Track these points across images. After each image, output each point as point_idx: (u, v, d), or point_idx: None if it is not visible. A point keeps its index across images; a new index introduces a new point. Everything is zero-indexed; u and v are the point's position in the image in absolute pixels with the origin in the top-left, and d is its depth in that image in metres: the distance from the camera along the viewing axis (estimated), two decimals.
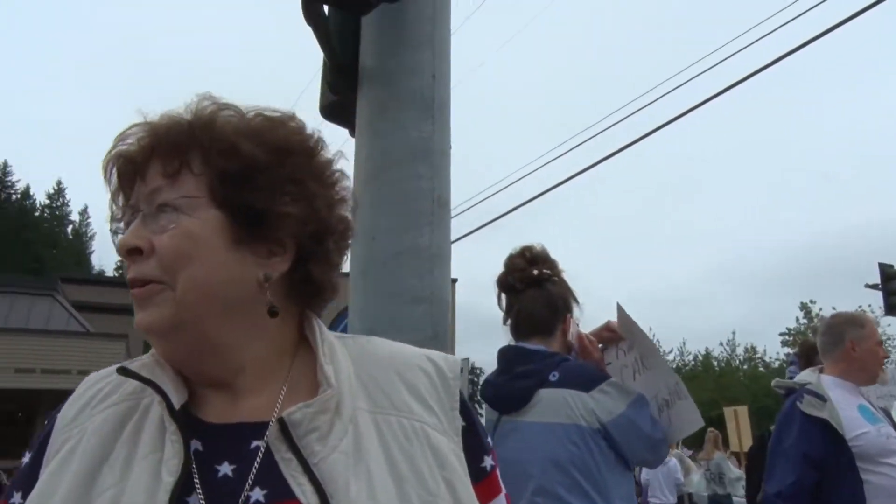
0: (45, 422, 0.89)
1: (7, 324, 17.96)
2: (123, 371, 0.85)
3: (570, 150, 9.26)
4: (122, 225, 0.87)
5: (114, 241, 0.88)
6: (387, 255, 2.18)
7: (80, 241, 55.08)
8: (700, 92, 7.31)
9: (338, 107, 2.72)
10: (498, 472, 0.93)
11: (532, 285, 2.22)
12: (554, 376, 2.05)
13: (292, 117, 0.91)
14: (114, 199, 0.89)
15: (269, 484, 0.78)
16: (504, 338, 2.29)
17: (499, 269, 2.31)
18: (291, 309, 0.91)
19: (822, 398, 2.71)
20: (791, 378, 6.56)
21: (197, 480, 0.77)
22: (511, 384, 2.12)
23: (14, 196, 49.88)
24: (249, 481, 0.78)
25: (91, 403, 0.86)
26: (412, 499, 0.79)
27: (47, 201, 53.83)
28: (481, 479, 0.89)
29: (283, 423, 0.80)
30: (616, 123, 8.67)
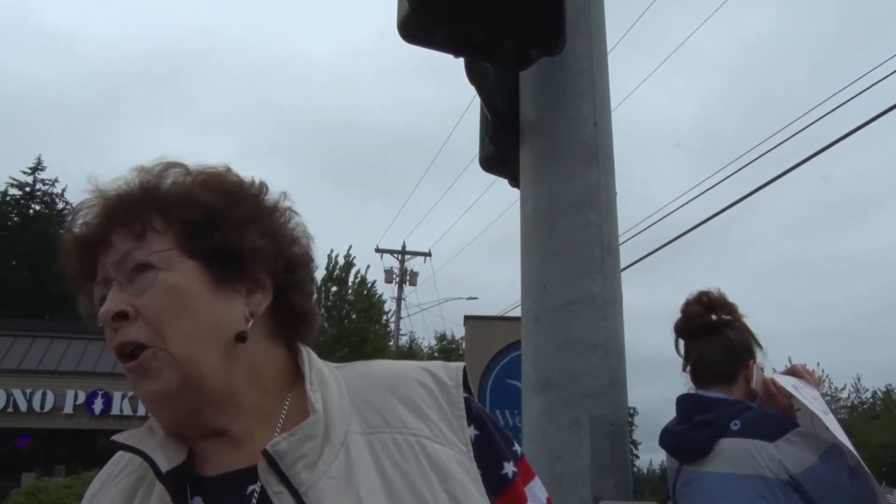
0: None
1: None
2: (113, 443, 0.86)
3: (724, 179, 8.88)
4: (97, 301, 0.86)
5: (88, 322, 0.88)
6: (558, 304, 2.20)
7: None
8: (864, 109, 6.83)
9: (496, 159, 2.81)
10: (534, 481, 0.90)
11: (711, 332, 2.16)
12: (735, 425, 1.97)
13: (229, 168, 0.93)
14: (77, 281, 0.89)
15: None
16: (678, 384, 2.24)
17: (642, 305, 2.27)
18: (280, 343, 0.92)
19: None
20: None
21: None
22: (690, 434, 2.06)
23: None
24: None
25: (108, 480, 0.89)
26: None
27: None
28: (503, 488, 0.85)
29: (268, 456, 0.78)
30: (774, 148, 8.24)
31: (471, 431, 0.86)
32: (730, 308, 2.19)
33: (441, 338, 36.95)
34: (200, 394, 0.82)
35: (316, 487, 0.76)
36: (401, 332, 30.47)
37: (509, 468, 0.87)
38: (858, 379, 38.62)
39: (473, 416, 0.87)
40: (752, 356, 2.15)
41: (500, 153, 2.75)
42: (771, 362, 2.20)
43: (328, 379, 0.88)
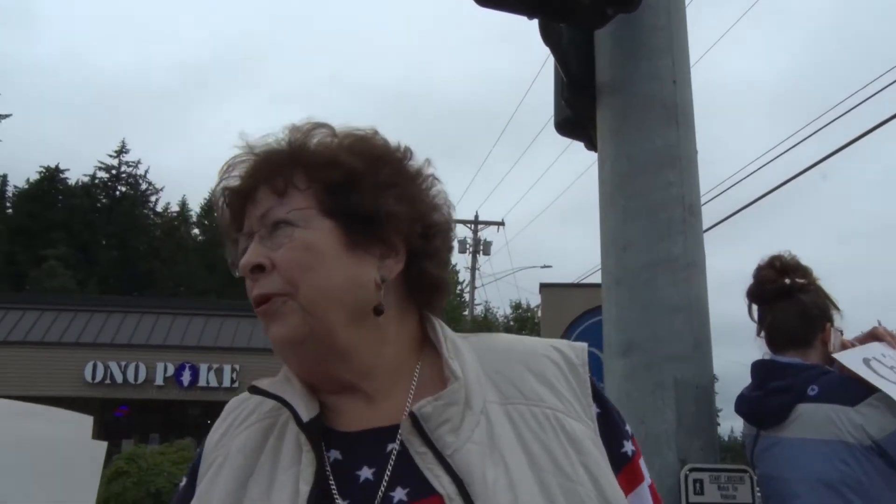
0: (197, 449, 0.95)
1: (268, 344, 19.86)
2: (254, 390, 0.89)
3: (809, 136, 8.48)
4: (240, 253, 0.90)
5: (232, 270, 0.91)
6: (640, 266, 2.17)
7: None
8: None
9: (572, 122, 2.76)
10: (641, 459, 0.91)
11: (784, 296, 2.10)
12: (813, 390, 1.92)
13: (376, 132, 0.94)
14: (227, 231, 0.93)
15: (409, 482, 0.79)
16: (753, 348, 2.18)
17: (732, 268, 2.22)
18: (411, 310, 0.93)
19: None
20: None
21: (334, 487, 0.80)
22: (766, 399, 2.03)
23: None
24: (389, 482, 0.79)
25: (234, 425, 0.91)
26: (552, 487, 0.78)
27: None
28: (623, 465, 0.87)
29: (414, 418, 0.80)
30: (861, 103, 7.81)
31: (594, 409, 0.89)
32: (803, 271, 2.13)
33: (516, 307, 36.97)
34: (326, 346, 0.84)
35: (462, 451, 0.79)
36: (475, 303, 30.61)
37: (629, 446, 0.90)
38: None
39: (596, 395, 0.90)
40: (830, 319, 2.09)
41: (575, 115, 2.71)
42: (850, 326, 2.12)
43: (462, 348, 0.89)
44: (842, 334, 2.10)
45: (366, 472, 0.81)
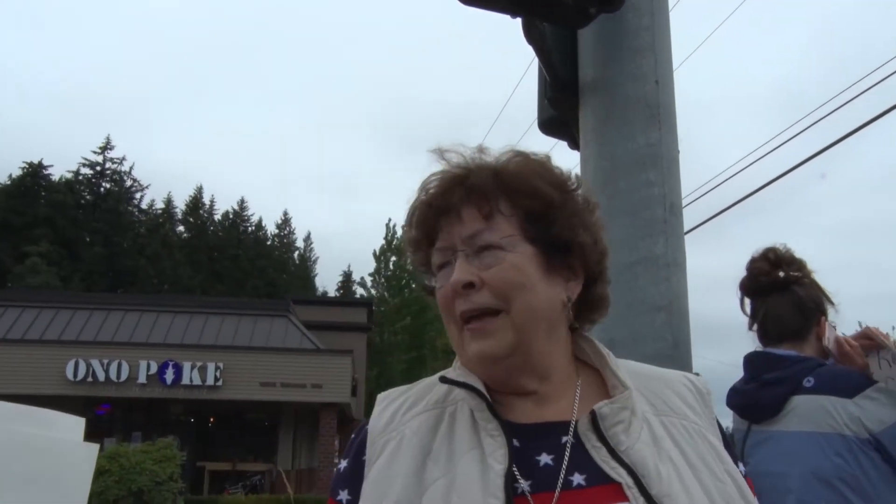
0: (353, 435, 1.04)
1: (252, 342, 20.02)
2: (445, 380, 0.98)
3: (800, 132, 8.51)
4: (435, 265, 0.99)
5: (428, 282, 1.00)
6: (622, 265, 2.17)
7: (305, 266, 60.07)
8: None
9: (555, 121, 2.77)
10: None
11: (779, 288, 2.09)
12: (809, 382, 1.91)
13: (550, 158, 1.03)
14: (416, 242, 1.01)
15: (586, 470, 0.88)
16: (749, 344, 2.18)
17: (709, 268, 2.22)
18: (573, 326, 1.04)
19: None
20: None
21: (516, 469, 0.87)
22: (759, 392, 2.01)
23: (250, 228, 55.53)
24: (568, 467, 0.88)
25: (399, 413, 0.99)
26: (709, 486, 0.89)
27: (276, 230, 59.42)
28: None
29: (593, 416, 0.91)
30: (846, 103, 7.85)
31: (718, 431, 1.01)
32: (798, 264, 2.12)
33: None
34: (524, 359, 0.95)
35: (634, 448, 0.89)
36: None
37: (742, 468, 0.99)
38: None
39: (717, 421, 1.03)
40: (824, 312, 2.07)
41: (559, 115, 2.71)
42: (843, 320, 2.12)
43: (620, 363, 1.00)
44: (835, 329, 2.09)
45: (545, 458, 0.90)
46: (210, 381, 18.10)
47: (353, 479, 0.96)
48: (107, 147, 43.35)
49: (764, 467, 1.95)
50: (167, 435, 15.36)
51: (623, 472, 0.87)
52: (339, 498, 0.97)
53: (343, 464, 1.00)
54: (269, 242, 57.69)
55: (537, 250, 0.95)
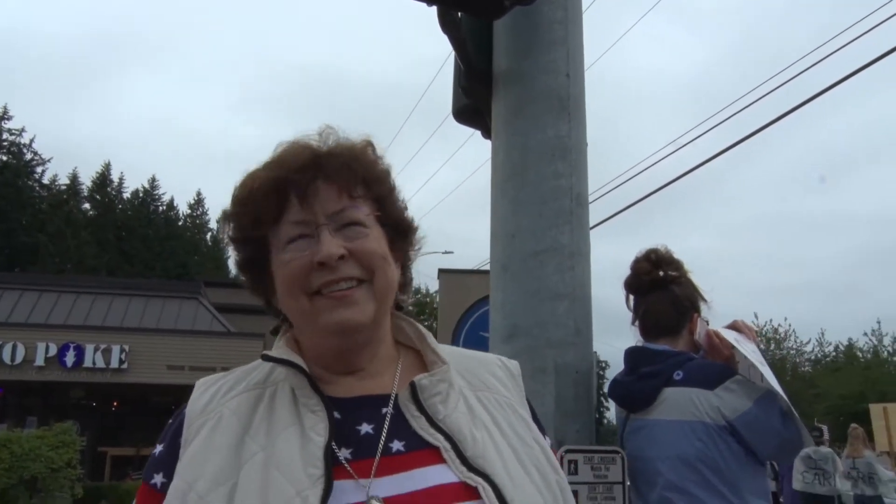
0: (170, 420, 1.03)
1: (160, 325, 19.39)
2: (268, 357, 1.00)
3: (707, 131, 8.86)
4: (285, 238, 0.98)
5: (278, 254, 0.99)
6: (527, 253, 2.22)
7: (218, 248, 58.45)
8: (854, 60, 6.75)
9: (470, 110, 2.79)
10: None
11: (658, 287, 2.25)
12: (678, 375, 2.07)
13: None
14: (263, 215, 0.99)
15: (405, 437, 0.94)
16: (632, 337, 2.32)
17: (624, 260, 2.35)
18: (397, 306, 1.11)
19: None
20: None
21: (335, 443, 0.90)
22: (637, 384, 2.16)
23: (161, 207, 53.65)
24: (387, 435, 0.93)
25: (218, 395, 0.99)
26: (519, 450, 0.98)
27: (188, 211, 57.61)
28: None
29: (413, 387, 0.97)
30: (755, 102, 8.20)
31: (528, 408, 1.10)
32: (676, 264, 2.29)
33: (416, 292, 37.23)
34: (374, 331, 1.00)
35: (451, 417, 0.96)
36: None
37: (547, 439, 1.08)
38: (822, 333, 39.64)
39: (526, 398, 1.12)
40: (697, 310, 2.25)
41: (473, 104, 2.74)
42: (715, 316, 2.29)
43: (439, 346, 1.07)
44: (707, 324, 2.25)
45: (366, 428, 0.94)
46: (115, 363, 17.42)
47: (169, 462, 0.95)
48: (4, 117, 40.90)
49: (638, 452, 2.11)
50: (66, 420, 14.72)
51: (441, 437, 0.93)
52: (153, 482, 0.96)
53: (159, 448, 0.99)
54: (180, 223, 55.89)
55: (385, 232, 1.02)
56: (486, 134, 2.80)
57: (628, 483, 2.14)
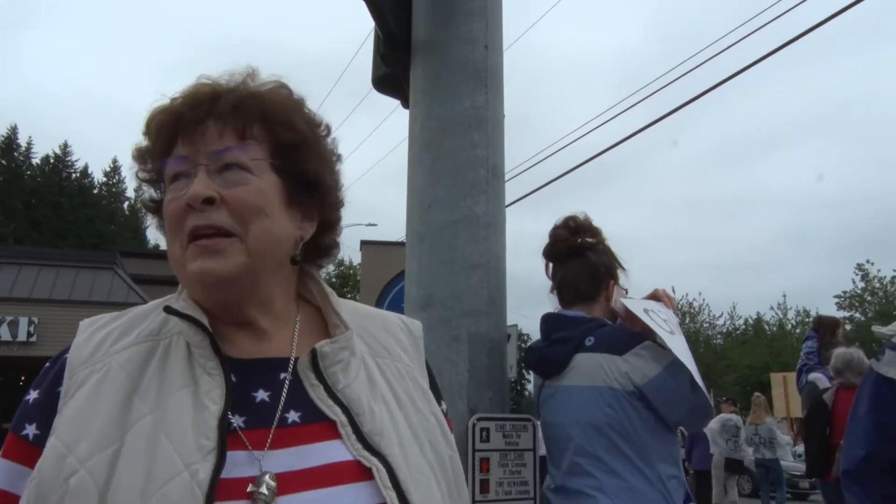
0: (48, 364, 0.95)
1: (72, 296, 18.63)
2: (170, 311, 0.92)
3: (629, 108, 8.98)
4: (169, 175, 0.93)
5: (144, 191, 0.98)
6: (443, 224, 2.23)
7: (136, 217, 56.50)
8: (776, 38, 6.93)
9: (390, 79, 2.77)
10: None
11: (574, 254, 2.24)
12: (590, 341, 2.08)
13: (306, 99, 1.02)
14: (154, 151, 0.95)
15: (301, 408, 0.90)
16: (551, 305, 2.31)
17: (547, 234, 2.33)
18: (301, 266, 1.06)
19: None
20: (804, 355, 6.31)
21: (230, 410, 0.85)
22: (549, 350, 2.16)
23: (74, 175, 51.38)
24: (284, 405, 0.89)
25: (106, 343, 0.92)
26: (414, 423, 0.96)
27: (104, 179, 55.37)
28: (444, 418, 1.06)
29: (314, 354, 0.93)
30: (678, 79, 8.36)
31: (426, 373, 1.08)
32: (593, 231, 2.27)
33: (339, 264, 37.00)
34: (250, 287, 0.93)
35: (351, 387, 0.92)
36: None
37: (444, 405, 1.07)
38: (734, 307, 41.52)
39: (426, 363, 1.10)
40: (614, 277, 2.25)
41: (392, 73, 2.72)
42: (635, 283, 2.30)
43: (342, 304, 1.02)
44: (626, 292, 2.26)
45: (262, 395, 0.89)
46: (22, 336, 16.68)
47: (45, 412, 0.86)
48: None
49: (552, 418, 2.13)
50: None
51: (338, 410, 0.89)
52: (24, 433, 0.87)
53: (33, 395, 0.91)
54: (96, 191, 53.70)
55: (281, 182, 0.94)
56: (405, 103, 2.78)
57: (543, 451, 2.17)
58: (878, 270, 32.98)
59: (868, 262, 33.39)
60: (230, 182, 0.89)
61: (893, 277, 32.52)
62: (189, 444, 0.80)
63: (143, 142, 0.96)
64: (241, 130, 0.92)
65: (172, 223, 0.91)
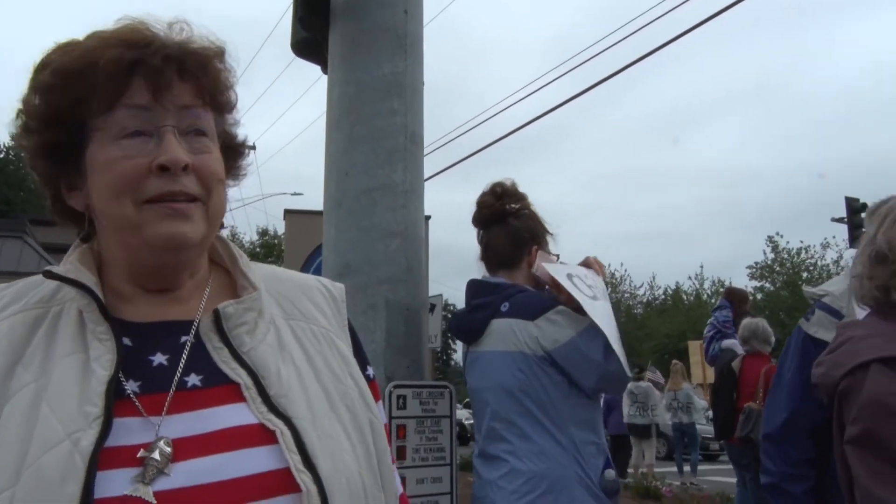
0: None
1: None
2: (51, 275, 0.87)
3: (556, 78, 9.07)
4: (120, 126, 0.85)
5: (113, 153, 0.84)
6: (360, 191, 2.21)
7: None
8: (701, 12, 7.07)
9: (310, 43, 2.70)
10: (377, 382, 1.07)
11: (498, 220, 2.24)
12: (505, 307, 2.09)
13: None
14: (106, 99, 0.85)
15: (203, 371, 0.85)
16: (479, 273, 2.32)
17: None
18: None
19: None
20: (719, 323, 6.61)
21: (123, 375, 0.81)
22: (469, 316, 2.18)
23: None
24: (184, 368, 0.85)
25: None
26: (330, 388, 0.92)
27: (11, 143, 52.62)
28: (369, 383, 1.01)
29: (216, 315, 0.88)
30: (606, 49, 8.48)
31: (349, 336, 1.03)
32: (518, 197, 2.27)
33: (263, 233, 36.38)
34: (198, 253, 0.92)
35: (257, 350, 0.88)
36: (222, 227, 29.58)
37: (370, 370, 1.04)
38: (654, 278, 42.90)
39: (349, 325, 1.05)
40: (538, 243, 2.24)
41: (312, 38, 2.65)
42: (565, 252, 2.31)
43: (252, 266, 0.99)
44: (557, 258, 2.27)
45: (160, 359, 0.85)
46: None
47: None
48: None
49: (472, 384, 2.15)
50: None
51: (243, 373, 0.85)
52: None
53: None
54: (1, 155, 50.95)
55: (222, 151, 0.93)
56: (325, 69, 2.73)
57: (468, 419, 2.19)
58: (787, 242, 34.65)
59: (778, 234, 35.04)
60: (195, 149, 0.87)
61: (800, 249, 34.21)
62: (72, 411, 0.76)
63: (65, 78, 0.85)
64: (202, 94, 0.89)
65: (127, 184, 0.84)
